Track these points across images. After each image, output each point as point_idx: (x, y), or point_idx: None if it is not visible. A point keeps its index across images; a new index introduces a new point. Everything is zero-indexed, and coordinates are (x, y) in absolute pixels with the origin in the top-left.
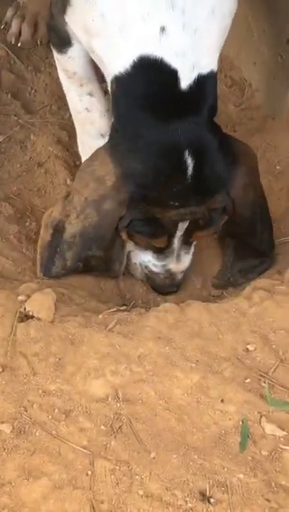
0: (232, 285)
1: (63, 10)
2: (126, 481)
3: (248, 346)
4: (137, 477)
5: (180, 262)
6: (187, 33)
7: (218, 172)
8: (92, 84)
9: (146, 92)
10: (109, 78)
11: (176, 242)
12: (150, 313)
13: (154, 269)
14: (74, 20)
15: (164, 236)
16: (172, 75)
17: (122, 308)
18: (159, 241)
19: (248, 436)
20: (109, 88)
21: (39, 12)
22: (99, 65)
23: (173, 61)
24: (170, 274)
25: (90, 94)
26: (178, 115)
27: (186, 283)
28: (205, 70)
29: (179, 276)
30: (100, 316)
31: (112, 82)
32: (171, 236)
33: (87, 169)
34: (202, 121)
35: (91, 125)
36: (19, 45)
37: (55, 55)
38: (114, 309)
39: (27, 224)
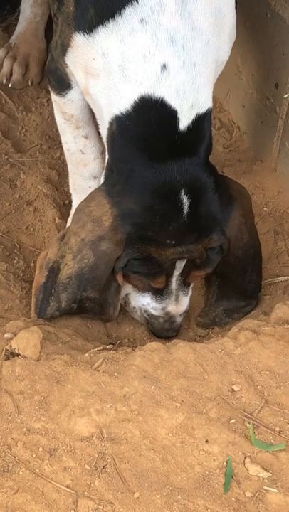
0: (217, 324)
1: (63, 52)
2: None
3: (234, 387)
4: None
5: (179, 304)
6: (187, 69)
7: (213, 211)
8: (88, 127)
9: (146, 133)
10: (106, 119)
11: (174, 282)
12: (136, 353)
13: (154, 312)
14: (74, 62)
15: (162, 276)
16: (172, 115)
17: (108, 346)
18: (157, 281)
19: (232, 477)
20: (104, 129)
21: (30, 53)
22: (93, 108)
23: (173, 101)
24: (169, 317)
25: (86, 137)
26: (175, 156)
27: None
28: (202, 108)
29: (178, 320)
30: (86, 355)
31: (111, 123)
32: (169, 276)
33: (84, 210)
34: (199, 161)
35: (84, 167)
36: (10, 85)
37: (53, 97)
38: (101, 348)
39: (15, 262)
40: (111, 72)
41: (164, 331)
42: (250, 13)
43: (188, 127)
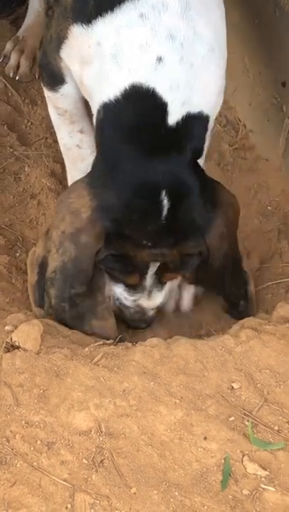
0: (245, 311)
1: (58, 45)
2: None
3: (233, 384)
4: None
5: (151, 299)
6: (183, 67)
7: (194, 217)
8: (83, 122)
9: (133, 122)
10: (96, 107)
11: (148, 280)
12: (136, 348)
13: (125, 303)
14: (70, 54)
15: (136, 274)
16: (162, 108)
17: (108, 341)
18: (131, 279)
19: (229, 474)
20: (94, 118)
21: (38, 47)
22: (87, 98)
23: (164, 93)
24: (141, 309)
25: (81, 131)
26: (161, 152)
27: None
28: (195, 109)
29: (150, 313)
30: (86, 349)
31: (99, 111)
32: (142, 274)
33: (65, 202)
34: (185, 161)
35: (82, 162)
36: (17, 78)
37: (46, 92)
38: (101, 342)
39: (17, 255)
40: (104, 58)
41: (134, 321)
42: (258, 11)
43: (178, 123)
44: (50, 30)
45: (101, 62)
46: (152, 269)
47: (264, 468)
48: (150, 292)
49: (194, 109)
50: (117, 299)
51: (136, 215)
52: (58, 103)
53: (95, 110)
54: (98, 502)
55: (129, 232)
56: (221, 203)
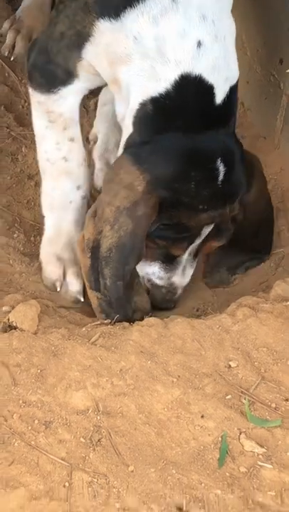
0: (223, 283)
1: (80, 44)
2: (103, 493)
3: (230, 363)
4: (115, 490)
5: (184, 276)
6: (219, 44)
7: (241, 179)
8: (75, 128)
9: (183, 109)
10: (135, 101)
11: (190, 251)
12: (134, 328)
13: (158, 282)
14: (96, 52)
15: (185, 242)
16: (209, 91)
17: (105, 321)
18: (180, 248)
19: (226, 452)
20: (128, 110)
21: (34, 27)
22: (116, 94)
23: (210, 76)
24: (173, 288)
25: (72, 140)
26: (210, 126)
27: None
28: (234, 80)
29: (179, 292)
30: (84, 329)
31: (143, 104)
32: (192, 242)
33: (115, 179)
34: (230, 131)
35: (67, 176)
36: (12, 58)
37: (38, 97)
38: (98, 322)
39: (15, 236)
40: (147, 55)
41: (164, 301)
42: None
43: (223, 100)
44: (59, 27)
45: (144, 58)
46: (203, 235)
47: (261, 446)
48: (184, 268)
49: (233, 81)
50: (149, 281)
51: (192, 183)
52: (54, 106)
53: (130, 104)
54: (96, 480)
55: (186, 200)
56: (252, 164)
